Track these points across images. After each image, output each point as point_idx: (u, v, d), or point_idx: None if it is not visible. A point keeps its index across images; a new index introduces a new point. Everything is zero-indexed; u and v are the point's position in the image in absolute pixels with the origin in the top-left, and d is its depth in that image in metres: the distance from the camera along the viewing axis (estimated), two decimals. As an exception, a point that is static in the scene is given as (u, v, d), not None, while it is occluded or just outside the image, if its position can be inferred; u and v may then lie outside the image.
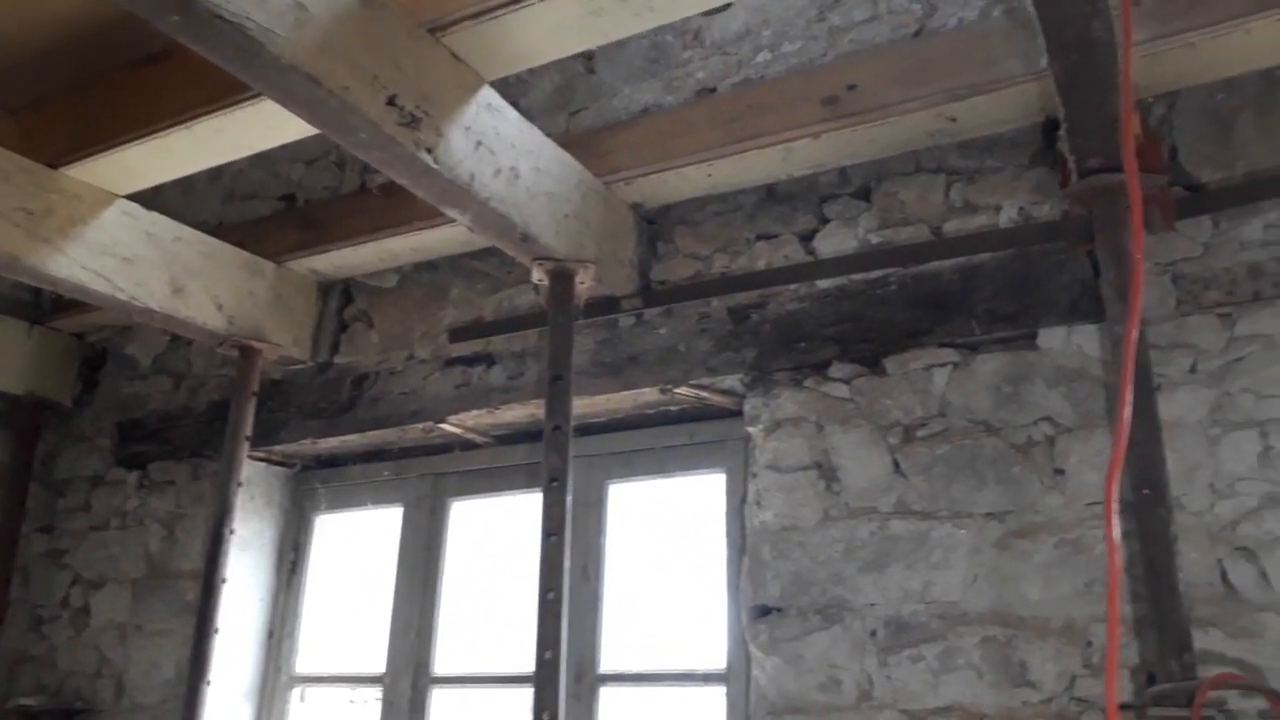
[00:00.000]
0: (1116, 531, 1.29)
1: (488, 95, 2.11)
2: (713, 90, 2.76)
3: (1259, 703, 1.62)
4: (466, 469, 3.13)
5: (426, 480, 3.19)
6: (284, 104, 1.74)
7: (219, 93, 2.27)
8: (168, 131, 2.37)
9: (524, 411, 2.89)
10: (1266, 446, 1.90)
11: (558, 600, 2.13)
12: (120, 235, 2.65)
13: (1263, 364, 1.96)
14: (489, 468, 3.10)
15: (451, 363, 2.99)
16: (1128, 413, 1.28)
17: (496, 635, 2.97)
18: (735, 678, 2.47)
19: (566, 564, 2.19)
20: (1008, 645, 2.03)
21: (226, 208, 3.62)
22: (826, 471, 2.32)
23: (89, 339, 3.83)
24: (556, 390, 2.29)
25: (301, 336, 3.16)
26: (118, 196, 2.67)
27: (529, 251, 2.30)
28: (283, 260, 3.13)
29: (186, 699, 2.65)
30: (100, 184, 2.62)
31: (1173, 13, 1.98)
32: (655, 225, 2.78)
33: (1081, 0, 1.37)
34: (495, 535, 3.13)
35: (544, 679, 2.08)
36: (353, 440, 3.18)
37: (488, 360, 2.93)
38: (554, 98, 3.03)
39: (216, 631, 2.72)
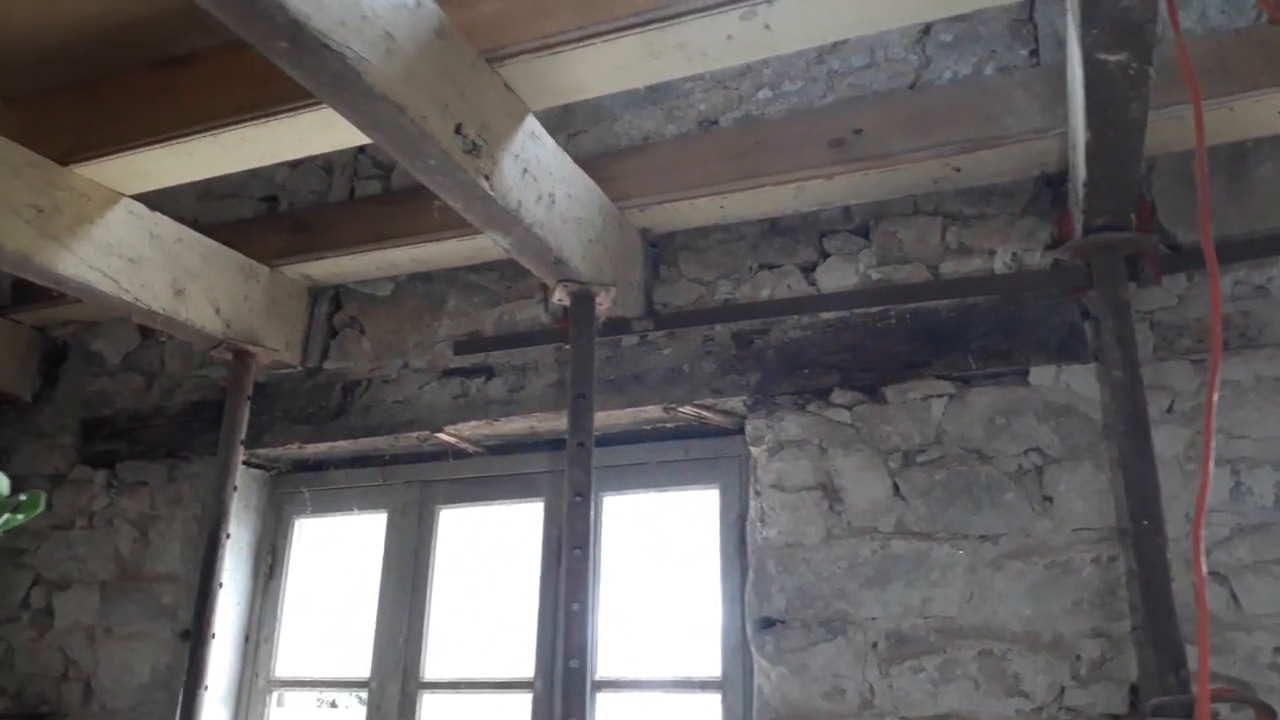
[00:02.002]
0: (1204, 569, 1.45)
1: (532, 124, 2.19)
2: (714, 123, 2.88)
3: (1249, 714, 1.82)
4: (456, 477, 3.18)
5: (414, 487, 3.22)
6: (364, 129, 1.78)
7: (250, 103, 2.28)
8: (192, 138, 2.36)
9: (524, 424, 2.96)
10: (1237, 482, 2.13)
11: (583, 611, 2.22)
12: (126, 235, 2.62)
13: (1232, 407, 2.18)
14: (480, 477, 3.15)
15: (449, 373, 3.04)
16: (1210, 465, 1.44)
17: (488, 641, 3.03)
18: (731, 685, 2.60)
19: (591, 576, 2.27)
20: (1002, 658, 2.21)
21: (202, 205, 3.57)
22: (830, 492, 2.46)
23: (50, 333, 3.72)
24: (580, 408, 2.37)
25: (292, 341, 3.15)
26: (123, 195, 2.64)
27: (557, 274, 2.38)
28: (276, 264, 3.13)
29: (184, 705, 2.63)
30: (108, 183, 2.58)
31: (1163, 84, 2.18)
32: (657, 250, 2.89)
33: (1127, 85, 1.54)
34: (486, 543, 3.19)
35: (570, 687, 2.16)
36: (340, 446, 3.19)
37: (487, 372, 2.99)
38: (552, 119, 3.08)
39: (214, 636, 2.71)
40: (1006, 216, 2.50)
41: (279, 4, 1.44)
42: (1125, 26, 1.41)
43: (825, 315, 2.60)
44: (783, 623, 2.42)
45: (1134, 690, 2.08)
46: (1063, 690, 2.15)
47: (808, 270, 2.68)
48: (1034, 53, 2.59)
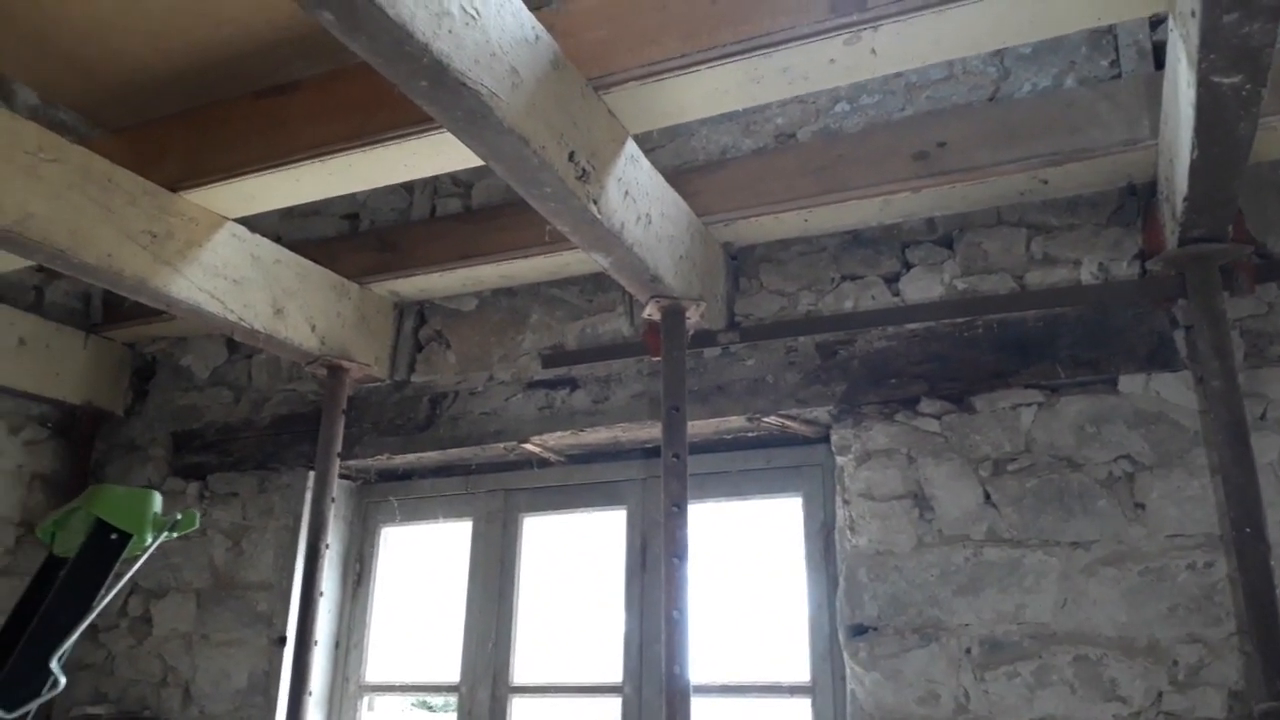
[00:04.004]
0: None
1: (631, 147, 2.26)
2: (792, 136, 2.93)
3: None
4: (539, 486, 3.26)
5: (498, 496, 3.30)
6: (488, 160, 1.85)
7: (358, 130, 2.37)
8: (300, 164, 2.45)
9: (608, 434, 3.03)
10: (1335, 489, 2.15)
11: (683, 618, 2.28)
12: (230, 258, 2.73)
13: (1327, 415, 2.20)
14: (563, 485, 3.23)
15: (534, 385, 3.12)
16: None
17: (574, 646, 3.11)
18: (821, 690, 2.65)
19: (689, 584, 2.33)
20: (1098, 664, 2.24)
21: (285, 223, 3.68)
22: (920, 500, 2.51)
23: (140, 349, 3.85)
24: (673, 420, 2.43)
25: (381, 356, 3.25)
26: (227, 219, 2.75)
27: (651, 290, 2.44)
28: (364, 282, 3.22)
29: (289, 709, 2.72)
30: (214, 207, 2.69)
31: (1253, 97, 2.22)
32: (736, 262, 2.95)
33: (1239, 106, 1.57)
34: (569, 550, 3.26)
35: (674, 693, 2.23)
36: (426, 456, 3.28)
37: (571, 384, 3.07)
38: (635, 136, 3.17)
39: (315, 643, 2.80)
40: (1092, 227, 2.54)
41: (424, 46, 1.52)
42: (1244, 52, 1.45)
43: (911, 325, 2.64)
44: (875, 629, 2.47)
45: (1234, 696, 2.11)
46: (1160, 695, 2.18)
47: (891, 281, 2.73)
48: (1114, 63, 2.61)
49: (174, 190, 2.61)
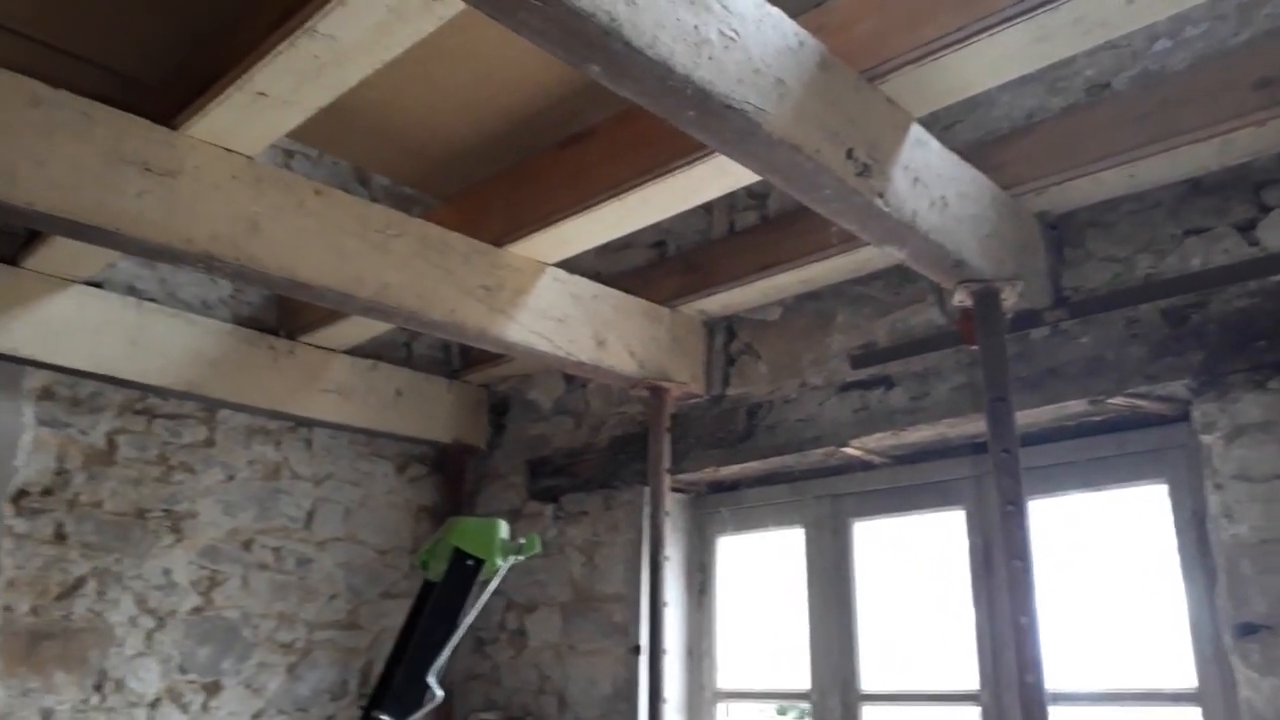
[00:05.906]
0: None
1: (917, 132, 2.17)
2: (1105, 87, 2.66)
3: None
4: (866, 489, 3.20)
5: (825, 501, 3.28)
6: (762, 173, 1.88)
7: (648, 165, 2.48)
8: (601, 205, 2.62)
9: (931, 432, 2.90)
10: None
11: (1032, 623, 2.13)
12: (553, 300, 2.96)
13: None
14: (891, 487, 3.14)
15: (847, 387, 3.07)
16: None
17: (921, 652, 3.01)
18: (1210, 696, 2.36)
19: (1035, 588, 2.18)
20: None
21: (601, 260, 3.91)
22: (1312, 478, 2.16)
23: (494, 389, 4.28)
24: (998, 413, 2.29)
25: (696, 373, 3.36)
26: (547, 265, 2.99)
27: (957, 276, 2.32)
28: (674, 305, 3.36)
29: (650, 717, 2.88)
30: (534, 255, 2.93)
31: None
32: (1057, 231, 2.72)
33: None
34: (904, 554, 3.17)
35: (1029, 703, 2.09)
36: (750, 466, 3.34)
37: (886, 383, 2.98)
38: (924, 118, 3.04)
39: (665, 652, 2.95)
40: None
41: (686, 78, 1.57)
42: None
43: (1276, 278, 2.29)
44: (1269, 628, 2.15)
45: None
46: None
47: (1245, 229, 2.38)
48: None
49: (499, 245, 2.88)
